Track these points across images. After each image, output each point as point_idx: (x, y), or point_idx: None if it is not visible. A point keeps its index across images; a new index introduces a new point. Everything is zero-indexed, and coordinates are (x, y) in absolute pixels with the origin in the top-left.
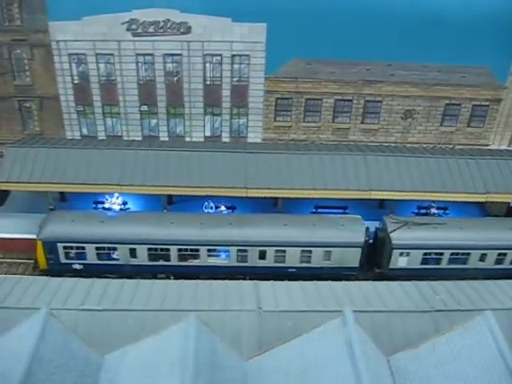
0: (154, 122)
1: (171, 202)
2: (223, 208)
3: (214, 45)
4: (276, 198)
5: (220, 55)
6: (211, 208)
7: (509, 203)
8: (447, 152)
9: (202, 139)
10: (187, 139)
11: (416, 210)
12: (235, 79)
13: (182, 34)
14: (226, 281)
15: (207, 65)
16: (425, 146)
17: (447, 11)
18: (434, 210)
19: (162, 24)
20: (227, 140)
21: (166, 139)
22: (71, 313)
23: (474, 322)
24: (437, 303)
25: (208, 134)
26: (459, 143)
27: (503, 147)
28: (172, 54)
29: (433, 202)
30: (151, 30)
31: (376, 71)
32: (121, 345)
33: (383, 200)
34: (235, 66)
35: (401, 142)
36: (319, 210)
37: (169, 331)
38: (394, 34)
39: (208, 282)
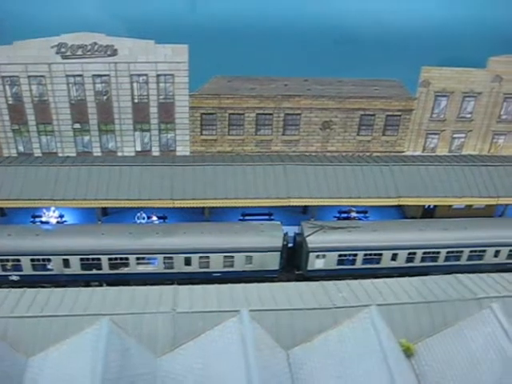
0: (86, 138)
1: (106, 214)
2: (155, 218)
3: (139, 65)
4: (203, 208)
5: (146, 75)
6: (143, 218)
7: (424, 206)
8: (363, 160)
9: (133, 154)
10: (119, 154)
11: (338, 215)
12: (161, 97)
13: (109, 56)
14: (149, 286)
15: (134, 84)
16: (344, 154)
17: (359, 28)
18: (354, 214)
19: (89, 47)
20: (157, 154)
21: (100, 154)
22: (1, 320)
23: (361, 315)
24: (338, 300)
25: (139, 148)
26: (376, 151)
27: (417, 153)
28: (100, 75)
29: (353, 206)
30: (79, 52)
31: (293, 86)
32: (45, 347)
33: (306, 206)
34: (161, 84)
35: (321, 151)
36: (246, 218)
37: (84, 333)
38: (308, 51)
39: (132, 288)
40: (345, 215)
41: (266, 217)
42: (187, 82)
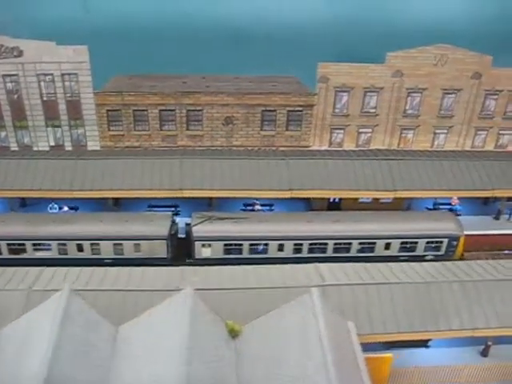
0: (3, 134)
1: (25, 205)
2: (66, 208)
3: (44, 65)
4: (106, 199)
5: (51, 74)
6: (55, 209)
7: (328, 199)
8: (262, 154)
9: (47, 148)
10: (35, 148)
11: (243, 208)
12: (68, 95)
13: (16, 56)
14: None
15: (42, 83)
16: (250, 148)
17: (253, 26)
18: (258, 207)
19: None
20: (70, 148)
21: (17, 149)
22: None
23: (179, 296)
24: (186, 283)
25: (52, 143)
26: (281, 145)
27: (324, 148)
28: (10, 75)
29: (255, 199)
30: None
31: (192, 83)
32: None
33: (211, 198)
34: (66, 83)
35: (226, 146)
36: (153, 209)
37: None
38: (204, 49)
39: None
40: (250, 208)
41: (172, 209)
42: (90, 81)
